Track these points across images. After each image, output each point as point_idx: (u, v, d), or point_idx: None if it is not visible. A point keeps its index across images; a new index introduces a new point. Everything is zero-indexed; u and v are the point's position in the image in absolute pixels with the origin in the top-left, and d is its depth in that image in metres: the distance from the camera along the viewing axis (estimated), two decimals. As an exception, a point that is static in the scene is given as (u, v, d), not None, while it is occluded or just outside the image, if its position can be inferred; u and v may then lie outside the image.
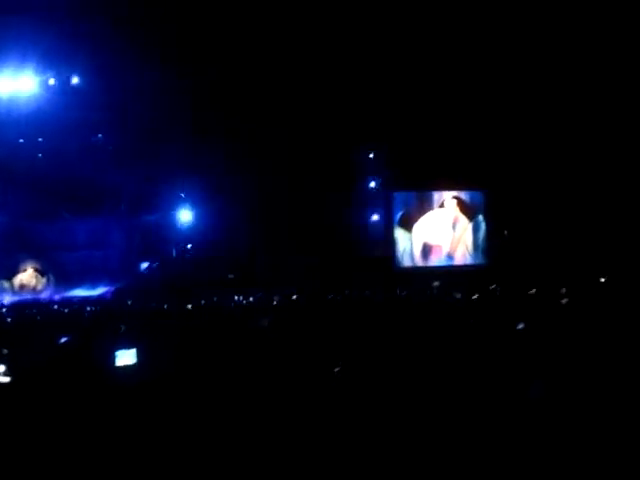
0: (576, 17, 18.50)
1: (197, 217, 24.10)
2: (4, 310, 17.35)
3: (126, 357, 5.98)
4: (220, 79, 20.29)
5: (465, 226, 22.53)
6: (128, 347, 6.05)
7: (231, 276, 22.53)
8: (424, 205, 22.37)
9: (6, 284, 24.18)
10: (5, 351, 5.64)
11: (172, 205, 24.27)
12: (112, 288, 22.95)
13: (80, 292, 23.04)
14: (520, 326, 8.18)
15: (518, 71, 20.09)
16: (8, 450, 4.09)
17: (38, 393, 4.93)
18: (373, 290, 17.08)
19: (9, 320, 14.00)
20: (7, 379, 5.16)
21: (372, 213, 22.95)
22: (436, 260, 22.35)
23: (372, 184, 23.01)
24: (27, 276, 24.44)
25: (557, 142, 20.73)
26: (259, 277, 21.13)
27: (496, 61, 20.04)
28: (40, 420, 4.51)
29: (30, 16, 19.38)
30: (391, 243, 22.56)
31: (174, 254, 24.72)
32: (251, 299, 17.93)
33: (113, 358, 6.06)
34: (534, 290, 13.50)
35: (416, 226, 22.29)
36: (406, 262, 22.30)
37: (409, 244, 22.26)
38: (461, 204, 22.60)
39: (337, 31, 19.25)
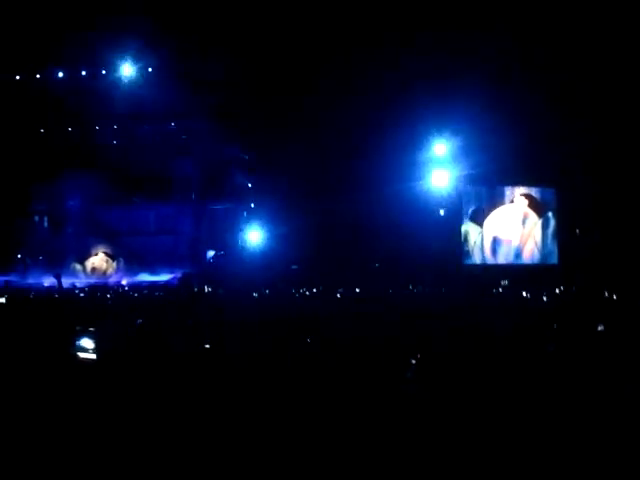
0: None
1: (265, 208, 24.26)
2: (77, 292, 17.79)
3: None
4: (291, 71, 20.40)
5: (535, 222, 22.59)
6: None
7: (294, 267, 22.60)
8: (495, 200, 22.54)
9: (78, 267, 24.90)
10: (92, 329, 5.77)
11: (241, 195, 24.51)
12: (179, 274, 23.29)
13: (148, 277, 23.49)
14: (600, 327, 7.99)
15: (590, 67, 19.64)
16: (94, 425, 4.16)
17: (123, 372, 5.03)
18: (440, 287, 16.91)
19: (83, 301, 14.40)
20: (93, 356, 5.28)
21: (440, 208, 22.82)
22: (505, 254, 22.46)
23: (438, 179, 22.75)
24: (98, 260, 25.11)
25: (631, 142, 20.22)
26: (323, 270, 21.09)
27: (569, 57, 19.65)
28: (125, 400, 4.59)
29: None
30: (459, 239, 22.57)
31: (240, 243, 24.97)
32: (314, 290, 17.92)
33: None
34: (611, 292, 13.13)
35: (487, 220, 22.45)
36: (476, 255, 22.44)
37: (480, 238, 22.43)
38: (531, 201, 22.62)
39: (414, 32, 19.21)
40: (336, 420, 4.31)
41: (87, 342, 5.41)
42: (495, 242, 22.45)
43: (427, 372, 5.64)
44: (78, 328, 5.98)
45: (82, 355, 5.34)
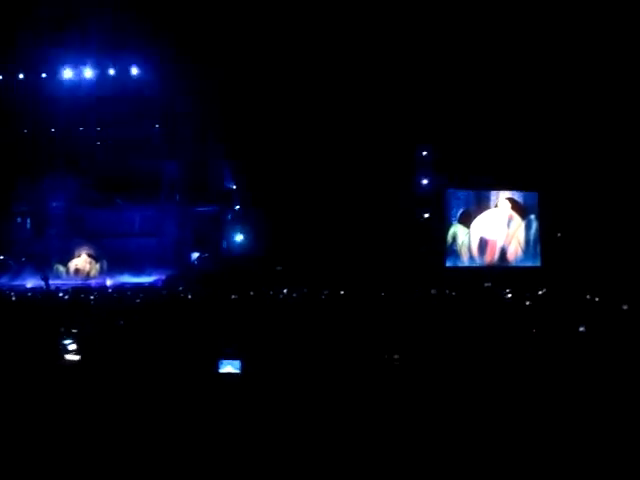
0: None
1: (248, 211, 24.28)
2: (60, 294, 17.73)
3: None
4: (279, 73, 20.43)
5: (518, 223, 23.70)
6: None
7: (279, 268, 22.62)
8: (482, 204, 23.60)
9: (61, 268, 24.73)
10: (75, 331, 5.77)
11: (225, 197, 24.50)
12: (163, 276, 23.23)
13: (132, 279, 23.38)
14: (582, 329, 8.09)
15: (572, 72, 19.90)
16: (80, 426, 4.16)
17: (106, 373, 5.04)
18: (424, 288, 16.99)
19: (67, 303, 14.35)
20: (77, 357, 5.27)
21: (425, 211, 23.61)
22: (491, 253, 23.56)
23: (425, 182, 23.47)
24: (82, 261, 24.95)
25: (612, 145, 20.50)
26: (308, 272, 21.12)
27: (550, 62, 19.89)
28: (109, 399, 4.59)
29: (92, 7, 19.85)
30: (444, 241, 23.35)
31: (224, 246, 24.96)
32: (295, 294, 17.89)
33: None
34: (592, 294, 13.27)
35: (474, 223, 23.53)
36: (464, 254, 23.46)
37: (467, 238, 23.47)
38: (514, 204, 23.63)
39: (396, 32, 19.28)
40: (327, 413, 4.35)
41: (71, 344, 5.40)
42: (482, 242, 23.55)
43: (411, 368, 5.70)
44: (62, 330, 5.97)
45: (66, 356, 5.34)
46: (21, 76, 22.68)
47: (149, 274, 23.35)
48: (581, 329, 8.06)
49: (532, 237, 23.64)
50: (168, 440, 3.98)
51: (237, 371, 4.32)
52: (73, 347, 5.30)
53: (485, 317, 10.12)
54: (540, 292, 15.18)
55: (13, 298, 16.39)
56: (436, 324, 8.99)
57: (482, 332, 8.03)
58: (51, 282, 20.62)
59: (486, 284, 18.72)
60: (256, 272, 21.40)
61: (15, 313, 9.86)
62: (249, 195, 24.02)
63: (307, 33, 19.57)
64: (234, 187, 24.48)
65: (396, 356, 5.99)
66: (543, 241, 23.32)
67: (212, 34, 19.74)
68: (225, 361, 4.39)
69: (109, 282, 23.25)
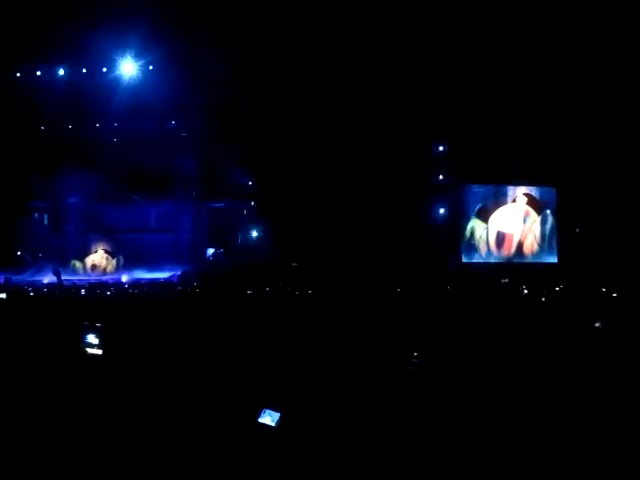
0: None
1: (264, 207, 24.33)
2: (79, 289, 17.84)
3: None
4: (297, 70, 20.44)
5: (534, 219, 23.97)
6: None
7: (294, 264, 22.66)
8: (499, 200, 23.91)
9: (78, 264, 24.89)
10: (98, 325, 5.82)
11: (240, 193, 24.57)
12: (179, 272, 23.33)
13: (147, 275, 23.50)
14: (597, 324, 8.05)
15: (592, 68, 19.75)
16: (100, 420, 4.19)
17: (128, 367, 5.07)
18: (440, 284, 16.97)
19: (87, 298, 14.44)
20: (99, 352, 5.32)
21: (442, 207, 23.76)
22: (508, 247, 23.92)
23: (441, 177, 23.60)
24: (98, 257, 25.11)
25: (628, 140, 20.37)
26: (323, 268, 21.10)
27: (570, 57, 19.76)
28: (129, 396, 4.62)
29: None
30: (461, 236, 23.67)
31: (239, 241, 25.03)
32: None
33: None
34: (610, 289, 13.20)
35: (492, 217, 23.89)
36: (482, 248, 23.81)
37: (485, 232, 23.83)
38: (531, 199, 23.85)
39: (413, 29, 19.26)
40: (339, 413, 4.36)
41: (93, 338, 5.45)
42: (499, 236, 23.92)
43: (428, 366, 5.69)
44: (85, 324, 6.02)
45: (89, 350, 5.39)
46: (38, 73, 22.83)
47: (165, 270, 23.47)
48: (597, 325, 8.02)
49: (548, 232, 23.91)
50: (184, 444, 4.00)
51: (272, 424, 4.20)
52: (95, 341, 5.36)
53: (502, 314, 10.09)
54: (557, 288, 15.13)
55: (31, 294, 16.52)
56: (453, 322, 8.96)
57: (498, 329, 8.00)
58: (68, 278, 20.78)
59: (503, 280, 18.67)
60: (271, 268, 21.45)
61: (33, 309, 9.95)
62: (265, 191, 24.08)
63: (326, 35, 19.57)
64: (250, 183, 24.54)
65: (415, 354, 5.96)
66: (560, 236, 23.45)
67: (233, 31, 19.76)
68: (266, 410, 4.25)
69: (124, 278, 23.38)
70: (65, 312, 8.57)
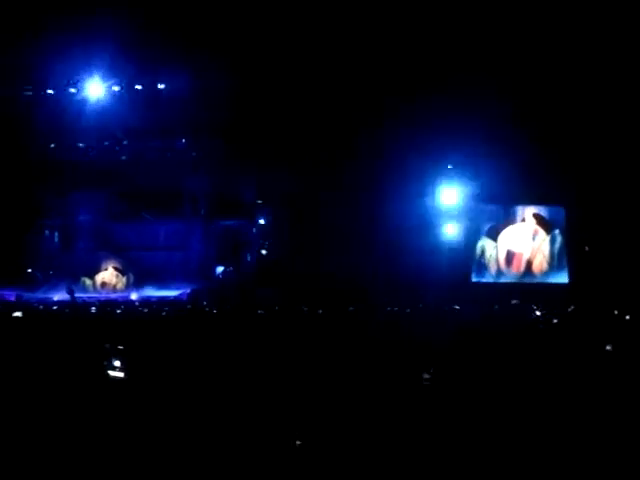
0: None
1: (274, 224, 24.44)
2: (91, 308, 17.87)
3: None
4: (307, 87, 20.57)
5: (543, 237, 24.06)
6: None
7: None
8: (508, 219, 24.12)
9: (88, 282, 25.00)
10: (121, 347, 5.86)
11: (250, 212, 24.69)
12: (188, 290, 23.38)
13: (157, 292, 23.57)
14: (608, 347, 8.04)
15: (602, 88, 19.78)
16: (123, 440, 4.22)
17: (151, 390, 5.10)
18: (450, 303, 16.98)
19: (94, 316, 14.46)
20: (121, 374, 5.35)
21: (451, 226, 23.92)
22: (517, 265, 24.07)
23: (451, 196, 23.61)
24: (108, 275, 25.21)
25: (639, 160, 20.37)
26: (332, 286, 21.09)
27: (580, 76, 19.79)
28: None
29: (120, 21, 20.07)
30: (471, 255, 23.87)
31: (249, 259, 25.10)
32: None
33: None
34: (622, 311, 13.16)
35: (501, 236, 24.11)
36: (492, 267, 24.04)
37: (495, 251, 24.06)
38: (539, 219, 23.98)
39: (420, 51, 19.39)
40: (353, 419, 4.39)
41: (116, 360, 5.49)
42: (509, 254, 24.06)
43: (443, 375, 5.71)
44: (107, 346, 6.07)
45: (112, 373, 5.43)
46: (50, 91, 23.00)
47: (174, 287, 23.50)
48: (607, 348, 8.00)
49: (557, 251, 23.95)
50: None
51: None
52: (119, 364, 5.39)
53: (514, 335, 10.07)
54: (569, 309, 15.10)
55: (44, 312, 16.57)
56: (463, 342, 8.96)
57: (510, 350, 8.01)
58: (78, 295, 20.83)
59: (513, 301, 18.66)
60: (281, 285, 21.47)
61: (50, 327, 10.00)
62: (274, 209, 24.19)
63: (336, 49, 19.70)
64: (259, 201, 24.65)
65: (426, 376, 5.98)
66: (570, 256, 23.39)
67: (241, 50, 19.91)
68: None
69: (134, 296, 23.45)
70: (81, 332, 8.62)
